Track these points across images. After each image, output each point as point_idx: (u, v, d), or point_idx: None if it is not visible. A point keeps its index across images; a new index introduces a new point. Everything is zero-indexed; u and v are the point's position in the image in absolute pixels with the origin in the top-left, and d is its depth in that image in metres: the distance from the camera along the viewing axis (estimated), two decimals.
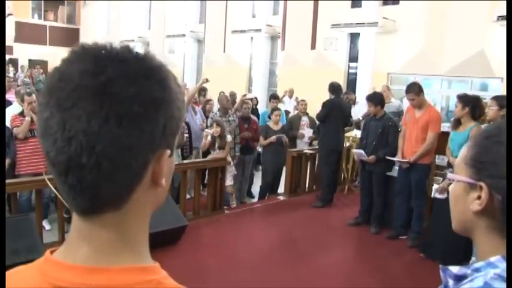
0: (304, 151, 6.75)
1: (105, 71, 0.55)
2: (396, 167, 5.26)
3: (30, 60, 22.22)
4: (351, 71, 12.83)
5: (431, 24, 10.52)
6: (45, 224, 5.03)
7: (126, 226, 0.61)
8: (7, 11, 19.57)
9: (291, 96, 10.56)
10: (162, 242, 4.11)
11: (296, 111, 8.03)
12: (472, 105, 4.34)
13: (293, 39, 13.47)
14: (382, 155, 5.20)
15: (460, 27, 9.80)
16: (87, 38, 24.61)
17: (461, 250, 4.00)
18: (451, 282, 0.84)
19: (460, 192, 0.86)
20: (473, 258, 0.86)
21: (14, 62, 20.87)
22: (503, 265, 0.78)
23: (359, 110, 7.67)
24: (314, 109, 7.27)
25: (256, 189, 7.09)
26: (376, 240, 5.20)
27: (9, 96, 7.46)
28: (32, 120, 4.93)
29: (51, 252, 0.62)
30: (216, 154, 5.83)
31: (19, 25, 22.47)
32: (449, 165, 4.51)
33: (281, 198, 6.68)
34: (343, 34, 12.56)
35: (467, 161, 0.85)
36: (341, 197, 6.52)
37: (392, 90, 8.58)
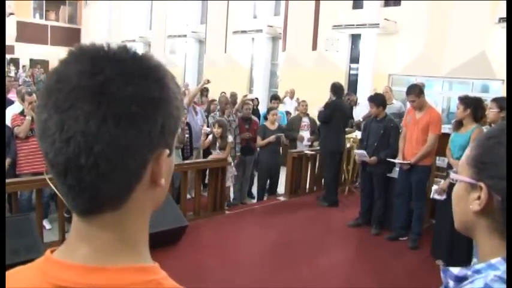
0: (305, 152, 6.75)
1: (103, 71, 0.55)
2: (397, 168, 5.25)
3: (31, 60, 22.28)
4: (352, 72, 12.83)
5: (433, 26, 10.51)
6: (46, 224, 5.03)
7: (125, 226, 0.61)
8: (9, 11, 19.60)
9: (291, 97, 10.56)
10: (162, 242, 4.11)
11: (297, 112, 8.03)
12: (473, 106, 4.33)
13: (294, 40, 13.47)
14: (383, 157, 5.20)
15: (461, 28, 9.80)
16: (88, 38, 24.63)
17: (464, 250, 4.01)
18: (451, 283, 0.85)
19: (462, 192, 0.87)
20: (474, 260, 0.86)
21: (16, 62, 20.91)
22: (503, 267, 0.78)
23: (360, 111, 7.67)
24: (312, 111, 7.27)
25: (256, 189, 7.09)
26: (376, 241, 5.19)
27: (11, 96, 7.48)
28: (32, 120, 4.94)
29: (52, 251, 0.62)
30: (216, 154, 5.83)
31: (21, 25, 22.51)
32: (450, 167, 4.51)
33: (281, 199, 6.68)
34: (344, 35, 12.56)
35: (469, 162, 0.85)
36: (341, 198, 6.51)
37: (394, 91, 8.57)
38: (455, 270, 0.84)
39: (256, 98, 9.40)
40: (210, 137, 5.95)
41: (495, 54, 9.50)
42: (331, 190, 6.36)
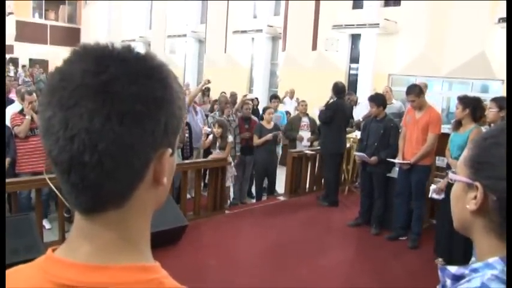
0: (305, 152, 6.75)
1: (107, 70, 0.56)
2: (396, 168, 5.26)
3: (30, 60, 22.25)
4: (351, 72, 12.83)
5: (433, 26, 10.52)
6: (46, 223, 5.04)
7: (127, 224, 0.61)
8: (8, 10, 19.58)
9: (291, 97, 10.57)
10: (163, 242, 4.11)
11: (296, 112, 8.03)
12: (472, 106, 4.33)
13: (294, 39, 13.47)
14: (383, 156, 5.21)
15: (461, 28, 9.80)
16: (88, 37, 24.62)
17: (463, 250, 4.01)
18: (448, 281, 0.86)
19: (460, 192, 0.88)
20: (473, 259, 0.87)
21: (15, 61, 20.88)
22: (500, 266, 0.78)
23: (360, 111, 7.68)
24: (312, 110, 7.27)
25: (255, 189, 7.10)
26: (376, 241, 5.20)
27: (12, 95, 7.48)
28: (32, 119, 4.94)
29: (53, 250, 0.62)
30: (216, 154, 5.83)
31: (20, 24, 22.48)
32: (449, 167, 4.51)
33: (281, 198, 6.68)
34: (344, 35, 12.57)
35: (467, 162, 0.87)
36: (341, 198, 6.52)
37: (393, 91, 8.58)
38: (453, 269, 0.85)
39: (256, 98, 9.41)
40: (211, 137, 5.96)
41: (495, 55, 9.51)
42: (332, 190, 6.36)
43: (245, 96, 7.38)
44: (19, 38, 22.34)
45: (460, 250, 4.10)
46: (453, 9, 9.89)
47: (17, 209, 4.22)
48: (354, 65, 12.71)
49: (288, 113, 9.34)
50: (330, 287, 4.05)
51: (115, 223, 0.60)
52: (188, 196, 5.87)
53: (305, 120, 7.22)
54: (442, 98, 10.91)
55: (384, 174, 5.38)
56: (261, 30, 14.95)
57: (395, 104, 7.74)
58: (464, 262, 0.91)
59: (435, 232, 4.78)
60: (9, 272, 0.65)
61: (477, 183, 0.82)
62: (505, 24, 9.00)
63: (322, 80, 10.23)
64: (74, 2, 25.57)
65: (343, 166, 7.00)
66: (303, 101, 7.55)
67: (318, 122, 6.92)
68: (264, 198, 6.78)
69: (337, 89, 6.23)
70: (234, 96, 8.69)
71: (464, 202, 0.85)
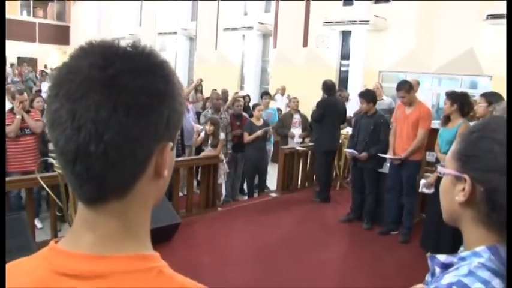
0: (296, 148, 6.78)
1: (113, 65, 0.58)
2: (388, 164, 5.31)
3: (19, 58, 22.00)
4: (342, 68, 12.87)
5: (422, 23, 10.60)
6: (37, 223, 5.01)
7: (129, 215, 0.63)
8: None
9: (282, 94, 10.59)
10: (156, 239, 4.09)
11: (288, 109, 8.05)
12: (460, 102, 4.39)
13: (285, 37, 13.48)
14: (374, 152, 5.25)
15: (450, 25, 9.89)
16: (77, 35, 24.39)
17: (450, 242, 4.07)
18: (438, 269, 0.89)
19: (449, 185, 0.91)
20: (461, 248, 0.90)
21: None
22: (487, 255, 0.82)
23: (351, 107, 7.72)
24: (307, 109, 7.29)
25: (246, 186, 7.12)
26: (368, 236, 5.25)
27: None
28: (22, 119, 4.91)
29: (56, 242, 0.64)
30: (208, 151, 5.84)
31: (7, 22, 22.12)
32: (439, 161, 4.57)
33: (273, 195, 6.70)
34: (334, 32, 12.60)
35: (454, 155, 0.90)
36: (333, 194, 6.56)
37: (383, 87, 8.64)
38: (442, 258, 0.89)
39: (248, 95, 9.42)
40: (202, 134, 5.96)
41: (483, 51, 9.61)
42: (323, 187, 6.40)
43: (236, 93, 7.38)
44: (7, 35, 21.97)
45: (448, 244, 4.15)
46: (442, 6, 9.97)
47: (7, 208, 4.19)
48: (344, 62, 12.76)
49: (279, 109, 9.36)
50: (322, 282, 4.08)
51: (117, 213, 0.62)
52: (180, 194, 5.87)
53: (296, 117, 7.25)
54: (431, 94, 11.00)
55: (374, 170, 5.42)
56: (251, 28, 14.93)
57: (385, 100, 7.80)
58: (449, 254, 0.95)
59: (423, 226, 4.84)
60: (12, 264, 0.66)
61: (465, 176, 0.85)
62: (493, 21, 9.11)
63: (313, 77, 10.26)
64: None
65: (335, 162, 7.03)
66: (295, 98, 7.57)
67: (309, 118, 6.96)
68: (256, 195, 6.81)
69: (327, 87, 6.27)
70: (225, 93, 8.68)
71: (453, 194, 0.89)
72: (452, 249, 0.94)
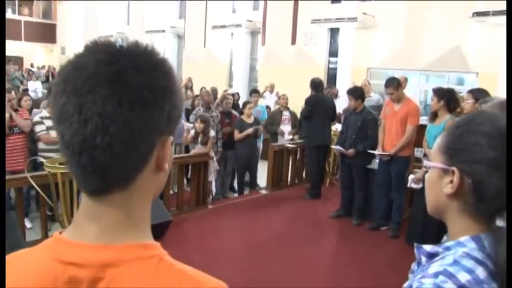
0: (286, 145, 6.81)
1: (118, 61, 0.61)
2: (377, 160, 5.36)
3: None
4: (331, 66, 12.93)
5: (410, 20, 10.69)
6: (27, 223, 4.95)
7: (131, 206, 0.66)
8: None
9: (271, 92, 10.60)
10: None
11: (277, 106, 8.08)
12: (447, 98, 4.46)
13: (273, 34, 13.50)
14: (361, 148, 5.30)
15: (437, 23, 10.00)
16: (64, 33, 24.14)
17: (434, 235, 4.14)
18: (424, 259, 0.93)
19: (435, 178, 0.94)
20: (444, 237, 0.93)
21: None
22: (471, 244, 0.86)
23: (340, 104, 7.77)
24: (297, 106, 7.32)
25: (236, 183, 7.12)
26: (358, 231, 5.30)
27: None
28: (11, 117, 4.86)
29: (60, 233, 0.66)
30: (198, 149, 5.84)
31: None
32: (426, 157, 4.63)
33: (263, 192, 6.73)
34: (323, 29, 12.65)
35: (441, 149, 0.93)
36: (323, 190, 6.60)
37: (371, 84, 8.71)
38: (428, 247, 0.92)
39: (237, 93, 9.42)
40: (192, 132, 5.96)
41: (470, 48, 9.73)
42: (315, 184, 6.44)
43: (226, 91, 7.38)
44: None
45: (433, 237, 4.22)
46: (429, 4, 10.07)
47: None
48: (333, 59, 12.81)
49: (268, 107, 9.38)
50: (313, 278, 4.11)
51: (120, 204, 0.65)
52: (171, 192, 5.86)
53: (286, 114, 7.28)
54: (419, 90, 11.11)
55: (363, 166, 5.47)
56: (240, 25, 14.91)
57: (373, 97, 7.87)
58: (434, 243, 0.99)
59: (409, 220, 4.91)
60: (15, 255, 0.68)
61: (453, 168, 0.88)
62: (479, 19, 9.22)
63: (301, 74, 10.31)
64: None
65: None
66: (284, 95, 7.59)
67: (299, 116, 6.99)
68: (246, 192, 6.83)
69: (315, 84, 6.35)
70: (214, 91, 8.67)
71: (440, 187, 0.92)
72: (438, 241, 0.98)
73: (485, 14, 8.98)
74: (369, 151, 5.25)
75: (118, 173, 0.62)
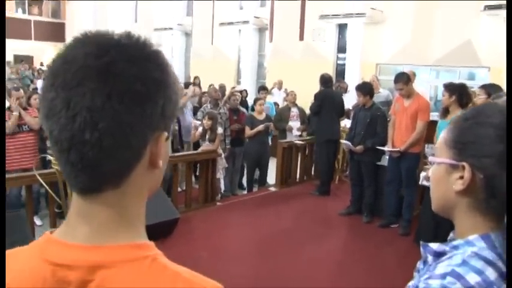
0: (295, 142, 6.77)
1: (108, 53, 0.58)
2: (386, 156, 5.30)
3: (15, 56, 21.89)
4: (339, 61, 12.85)
5: (419, 15, 10.57)
6: (36, 220, 5.00)
7: (124, 205, 0.63)
8: None
9: (280, 88, 10.57)
10: (155, 235, 4.09)
11: (285, 103, 8.04)
12: (458, 93, 4.39)
13: (281, 30, 13.43)
14: (370, 145, 5.25)
15: (448, 17, 9.87)
16: (73, 32, 24.23)
17: (447, 234, 4.08)
18: (430, 258, 0.89)
19: (442, 174, 0.89)
20: (451, 235, 0.89)
21: None
22: (480, 244, 0.81)
23: (350, 99, 7.71)
24: (305, 102, 7.28)
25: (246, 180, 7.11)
26: (368, 229, 5.25)
27: None
28: (20, 116, 4.89)
29: (51, 232, 0.64)
30: (206, 146, 5.82)
31: None
32: None
33: (272, 189, 6.70)
34: (331, 25, 12.57)
35: (449, 143, 0.88)
36: (332, 187, 6.56)
37: (380, 80, 8.62)
38: (434, 246, 0.88)
39: (245, 90, 9.41)
40: (200, 129, 5.95)
41: (481, 42, 9.59)
42: (325, 180, 6.40)
43: (233, 88, 7.37)
44: None
45: (444, 235, 4.15)
46: None
47: (6, 206, 4.18)
48: (341, 55, 12.74)
49: (276, 104, 9.35)
50: (322, 275, 4.08)
51: (112, 203, 0.62)
52: (179, 189, 5.86)
53: (294, 111, 7.24)
54: (429, 86, 10.99)
55: (372, 163, 5.42)
56: (247, 22, 14.88)
57: (382, 93, 7.78)
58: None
59: (419, 218, 4.83)
60: (9, 253, 0.66)
61: (464, 163, 0.83)
62: (490, 12, 9.09)
63: (310, 71, 10.26)
64: None
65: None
66: (292, 91, 7.56)
67: (307, 112, 6.96)
68: (255, 189, 6.80)
69: (324, 80, 6.35)
70: (222, 88, 8.67)
71: (448, 183, 0.87)
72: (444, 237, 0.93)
73: (497, 7, 8.84)
74: (378, 147, 5.20)
75: (109, 169, 0.59)
